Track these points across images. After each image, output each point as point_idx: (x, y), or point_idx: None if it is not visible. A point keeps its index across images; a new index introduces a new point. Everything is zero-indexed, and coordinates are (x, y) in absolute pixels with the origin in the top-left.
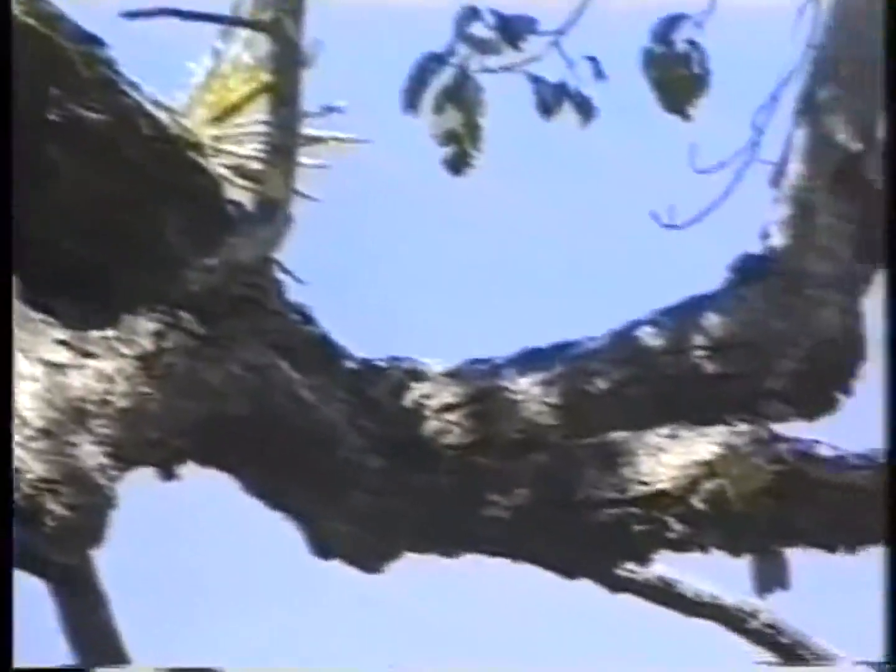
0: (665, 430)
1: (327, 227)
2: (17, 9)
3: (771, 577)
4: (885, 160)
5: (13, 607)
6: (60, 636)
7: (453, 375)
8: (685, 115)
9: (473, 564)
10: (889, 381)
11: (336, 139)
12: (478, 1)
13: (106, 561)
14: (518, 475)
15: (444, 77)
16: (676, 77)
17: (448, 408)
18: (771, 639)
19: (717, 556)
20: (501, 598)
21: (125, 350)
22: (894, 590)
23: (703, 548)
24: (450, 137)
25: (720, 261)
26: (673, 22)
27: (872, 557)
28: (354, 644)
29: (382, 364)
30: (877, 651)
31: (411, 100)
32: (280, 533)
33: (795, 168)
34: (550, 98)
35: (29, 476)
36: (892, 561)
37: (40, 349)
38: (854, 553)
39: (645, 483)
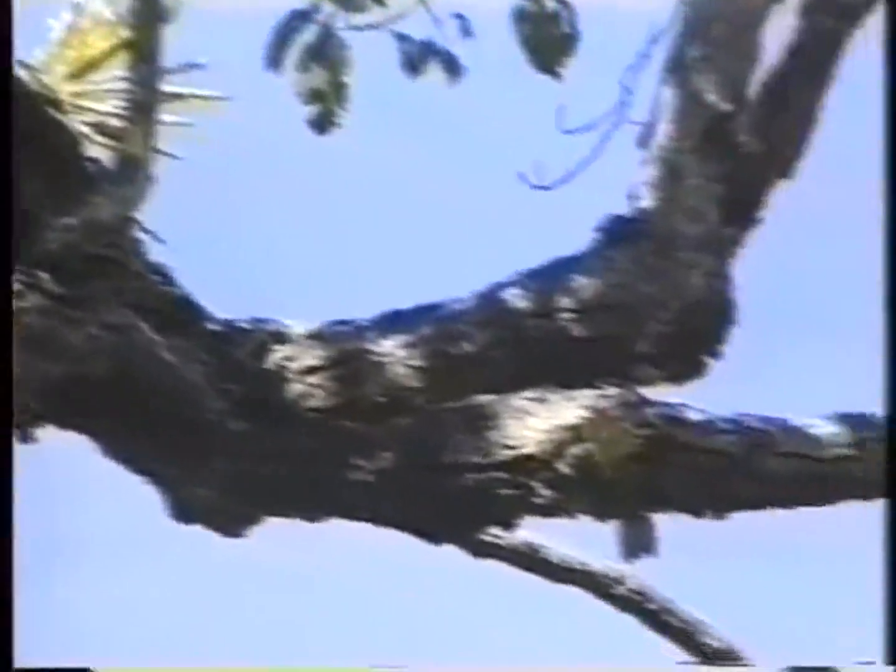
0: (531, 394)
1: (189, 186)
2: None
3: (638, 543)
4: (885, 159)
5: (13, 607)
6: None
7: (316, 337)
8: (555, 75)
9: (337, 529)
10: (888, 347)
11: (198, 97)
12: None
13: None
14: (382, 439)
15: (308, 35)
16: (546, 36)
17: (311, 370)
18: (638, 605)
19: (584, 522)
20: (365, 564)
21: None
22: (894, 587)
23: (569, 513)
24: (314, 96)
25: (589, 222)
26: None
27: (740, 523)
28: (215, 611)
29: (245, 325)
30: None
31: (274, 58)
32: (141, 497)
33: (664, 128)
34: (417, 56)
35: None
36: (891, 555)
37: None
38: (721, 518)
39: (511, 447)
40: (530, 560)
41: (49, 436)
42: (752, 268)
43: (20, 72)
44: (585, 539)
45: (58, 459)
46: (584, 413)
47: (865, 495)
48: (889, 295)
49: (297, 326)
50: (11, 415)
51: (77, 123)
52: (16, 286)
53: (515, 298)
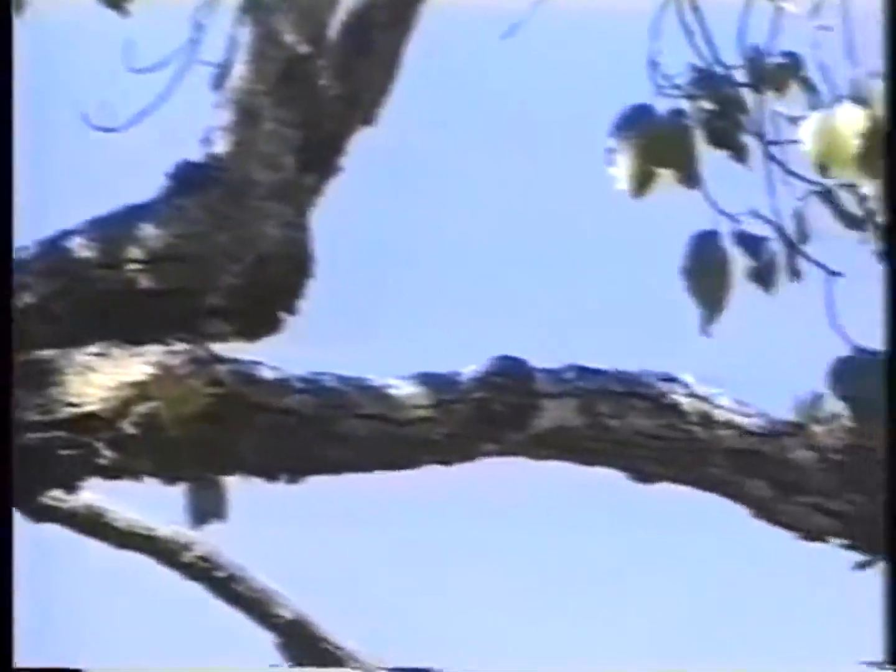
0: (96, 349)
1: None
2: None
3: (207, 508)
4: (884, 158)
5: (13, 607)
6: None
7: None
8: (123, 10)
9: None
10: (889, 350)
11: None
12: None
13: None
14: None
15: None
16: None
17: None
18: (206, 573)
19: (153, 485)
20: None
21: None
22: (894, 589)
23: (135, 475)
24: None
25: (160, 167)
26: None
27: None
28: None
29: None
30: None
31: None
32: None
33: (239, 70)
34: None
35: None
36: (891, 556)
37: None
38: (297, 482)
39: (73, 405)
40: (93, 524)
41: None
42: (331, 217)
43: None
44: (154, 503)
45: None
46: (151, 370)
47: (443, 459)
48: (889, 294)
49: None
50: (11, 416)
51: None
52: None
53: (80, 247)
